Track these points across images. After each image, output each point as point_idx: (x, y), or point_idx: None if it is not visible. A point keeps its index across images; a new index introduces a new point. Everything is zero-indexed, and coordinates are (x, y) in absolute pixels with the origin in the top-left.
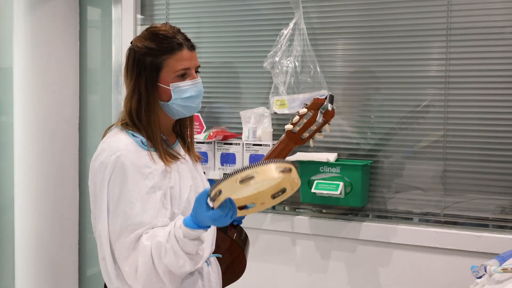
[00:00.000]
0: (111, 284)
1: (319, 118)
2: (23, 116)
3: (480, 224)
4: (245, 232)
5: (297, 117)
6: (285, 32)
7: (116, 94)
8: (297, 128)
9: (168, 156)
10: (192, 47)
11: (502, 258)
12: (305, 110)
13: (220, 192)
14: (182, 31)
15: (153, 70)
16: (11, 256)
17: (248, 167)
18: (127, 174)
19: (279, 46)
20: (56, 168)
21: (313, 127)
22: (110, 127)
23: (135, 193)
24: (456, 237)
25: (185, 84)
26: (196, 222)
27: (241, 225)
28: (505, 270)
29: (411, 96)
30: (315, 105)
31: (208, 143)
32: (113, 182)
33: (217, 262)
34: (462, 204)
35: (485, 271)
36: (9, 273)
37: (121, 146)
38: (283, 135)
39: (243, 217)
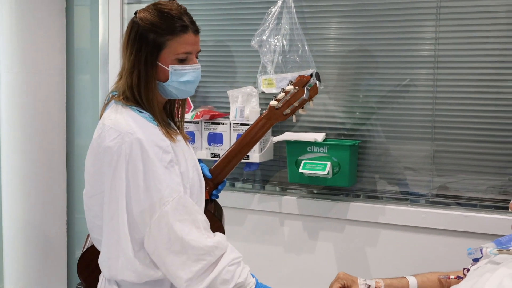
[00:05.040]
0: (123, 268)
1: (306, 95)
2: (8, 96)
3: (469, 204)
4: (219, 205)
5: (282, 94)
6: (273, 10)
7: (104, 74)
8: (280, 105)
9: (171, 132)
10: (196, 31)
11: (499, 242)
12: (290, 87)
13: None
14: None
15: (154, 48)
16: None
17: None
18: (147, 149)
19: (267, 24)
20: (43, 149)
21: (296, 104)
22: (107, 103)
23: (159, 167)
24: (445, 217)
25: (185, 68)
26: None
27: (218, 200)
28: (500, 252)
29: (400, 75)
30: (301, 82)
31: (195, 122)
32: (134, 159)
33: None
34: (451, 185)
35: (481, 253)
36: None
37: (131, 123)
38: (264, 111)
39: (219, 192)
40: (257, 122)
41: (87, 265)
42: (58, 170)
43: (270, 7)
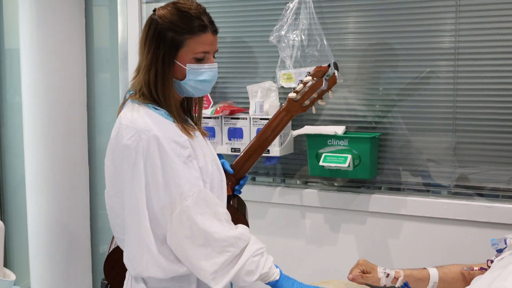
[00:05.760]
0: (148, 265)
1: (325, 86)
2: (31, 96)
3: (491, 194)
4: (242, 200)
5: (300, 85)
6: (291, 5)
7: (123, 72)
8: (299, 97)
9: (188, 128)
10: (215, 32)
11: None
12: (309, 78)
13: None
14: None
15: (172, 46)
16: (24, 235)
17: None
18: (164, 145)
19: (285, 19)
20: (66, 147)
21: (315, 95)
22: (124, 102)
23: (177, 162)
24: (467, 208)
25: (202, 67)
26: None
27: (241, 195)
28: None
29: (420, 68)
30: (319, 73)
31: (215, 118)
32: (152, 156)
33: None
34: (472, 176)
35: (505, 243)
36: (23, 252)
37: (148, 120)
38: (283, 104)
39: (241, 187)
40: (276, 115)
41: (114, 266)
42: (80, 167)
43: (287, 3)
